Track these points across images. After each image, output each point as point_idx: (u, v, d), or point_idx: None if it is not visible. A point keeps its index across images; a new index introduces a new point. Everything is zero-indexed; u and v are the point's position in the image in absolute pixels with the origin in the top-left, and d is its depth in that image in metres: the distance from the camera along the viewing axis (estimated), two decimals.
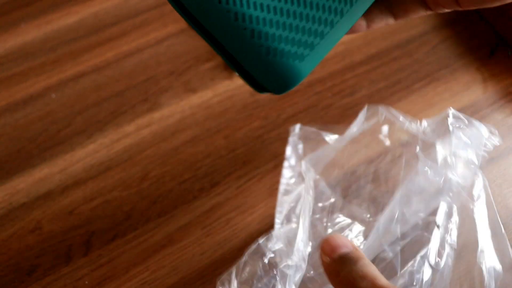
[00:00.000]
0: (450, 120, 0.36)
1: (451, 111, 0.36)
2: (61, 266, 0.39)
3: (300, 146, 0.42)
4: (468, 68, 0.48)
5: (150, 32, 0.54)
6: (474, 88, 0.47)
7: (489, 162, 0.40)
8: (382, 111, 0.39)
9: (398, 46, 0.51)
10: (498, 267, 0.34)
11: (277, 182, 0.42)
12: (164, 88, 0.49)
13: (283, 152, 0.43)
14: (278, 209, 0.38)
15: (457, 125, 0.36)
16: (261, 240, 0.34)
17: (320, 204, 0.39)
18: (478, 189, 0.36)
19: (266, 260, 0.34)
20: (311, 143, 0.42)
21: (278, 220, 0.38)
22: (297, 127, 0.43)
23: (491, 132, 0.37)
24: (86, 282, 0.38)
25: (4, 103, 0.50)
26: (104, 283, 0.38)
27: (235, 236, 0.39)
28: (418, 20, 0.53)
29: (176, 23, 0.55)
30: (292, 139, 0.42)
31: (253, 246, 0.34)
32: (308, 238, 0.36)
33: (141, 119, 0.47)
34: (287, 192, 0.39)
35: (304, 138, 0.42)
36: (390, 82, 0.48)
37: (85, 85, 0.50)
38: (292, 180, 0.40)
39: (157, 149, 0.45)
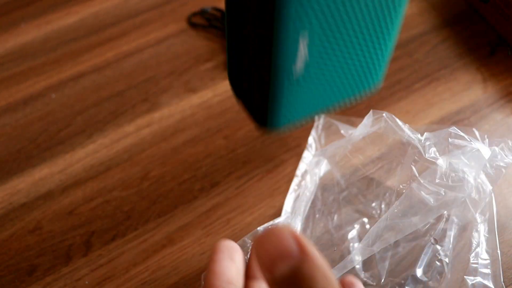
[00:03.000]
0: (451, 139, 0.36)
1: (453, 130, 0.36)
2: (61, 266, 0.39)
3: (323, 136, 0.42)
4: (468, 68, 0.48)
5: (150, 32, 0.54)
6: (474, 88, 0.47)
7: None
8: (386, 118, 0.39)
9: (398, 46, 0.51)
10: None
11: (277, 182, 0.42)
12: (164, 88, 0.49)
13: (283, 152, 0.43)
14: (288, 197, 0.39)
15: (457, 145, 0.36)
16: (246, 236, 0.35)
17: (331, 197, 0.39)
18: (482, 208, 0.36)
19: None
20: (332, 134, 0.42)
21: (286, 209, 0.38)
22: (322, 117, 0.43)
23: (507, 149, 0.37)
24: (86, 282, 0.38)
25: (4, 103, 0.50)
26: (104, 283, 0.38)
27: (235, 236, 0.39)
28: (418, 20, 0.53)
29: (176, 23, 0.55)
30: (314, 129, 0.42)
31: (238, 242, 0.34)
32: (302, 231, 0.36)
33: (141, 119, 0.47)
34: (299, 183, 0.40)
35: (326, 129, 0.42)
36: (390, 82, 0.48)
37: (85, 85, 0.50)
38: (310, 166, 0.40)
39: (157, 149, 0.45)
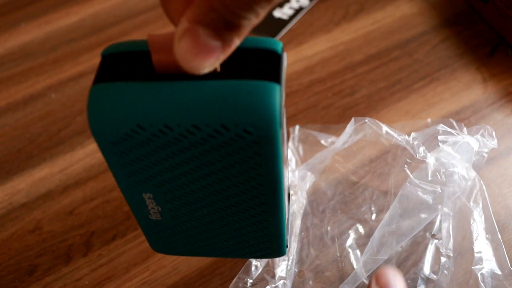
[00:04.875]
0: (440, 136, 0.37)
1: (441, 127, 0.36)
2: (61, 266, 0.39)
3: (300, 148, 0.42)
4: (468, 68, 0.48)
5: (150, 32, 0.54)
6: (474, 88, 0.47)
7: (488, 162, 0.40)
8: (369, 123, 0.39)
9: (398, 46, 0.51)
10: (497, 274, 0.34)
11: None
12: None
13: None
14: None
15: (446, 140, 0.36)
16: (240, 273, 0.35)
17: (321, 208, 0.39)
18: (474, 197, 0.37)
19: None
20: (310, 145, 0.42)
21: None
22: (296, 128, 0.43)
23: (487, 135, 0.37)
24: (86, 282, 0.38)
25: (4, 103, 0.50)
26: (104, 283, 0.38)
27: None
28: (418, 20, 0.53)
29: None
30: (291, 141, 0.42)
31: (234, 280, 0.34)
32: (296, 257, 0.36)
33: None
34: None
35: (303, 141, 0.42)
36: (390, 82, 0.48)
37: (85, 85, 0.50)
38: (294, 183, 0.40)
39: None
